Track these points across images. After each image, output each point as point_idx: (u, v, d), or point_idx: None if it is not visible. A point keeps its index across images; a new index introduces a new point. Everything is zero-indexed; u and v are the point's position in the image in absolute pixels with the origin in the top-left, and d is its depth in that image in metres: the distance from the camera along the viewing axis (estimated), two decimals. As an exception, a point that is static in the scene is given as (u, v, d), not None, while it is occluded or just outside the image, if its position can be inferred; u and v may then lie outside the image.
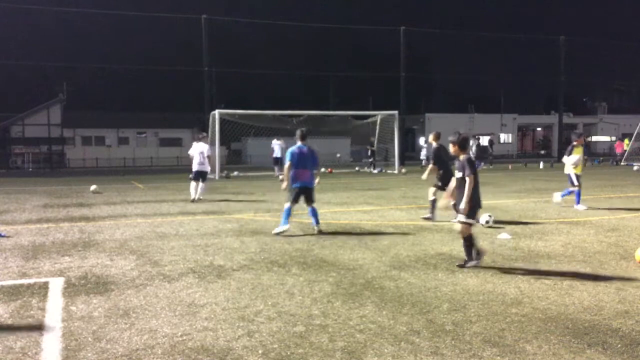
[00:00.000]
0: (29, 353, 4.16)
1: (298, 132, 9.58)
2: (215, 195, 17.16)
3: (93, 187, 18.56)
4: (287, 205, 9.44)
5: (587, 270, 6.63)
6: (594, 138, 65.55)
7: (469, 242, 6.73)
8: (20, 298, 5.63)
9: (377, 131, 32.11)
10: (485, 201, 14.40)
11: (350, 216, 11.70)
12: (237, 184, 22.15)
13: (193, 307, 5.24)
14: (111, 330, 4.62)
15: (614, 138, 61.50)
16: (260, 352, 4.12)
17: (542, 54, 69.71)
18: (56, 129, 52.61)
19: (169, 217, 11.91)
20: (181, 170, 37.52)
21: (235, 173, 23.30)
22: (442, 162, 10.62)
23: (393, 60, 43.07)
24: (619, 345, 4.19)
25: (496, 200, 14.35)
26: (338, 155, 28.68)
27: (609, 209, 12.44)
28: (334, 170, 29.64)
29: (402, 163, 31.99)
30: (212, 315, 4.99)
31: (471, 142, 30.07)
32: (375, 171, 29.52)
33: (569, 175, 12.44)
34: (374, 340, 4.33)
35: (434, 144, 10.94)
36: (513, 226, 10.00)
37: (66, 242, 8.86)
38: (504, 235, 8.88)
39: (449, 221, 9.53)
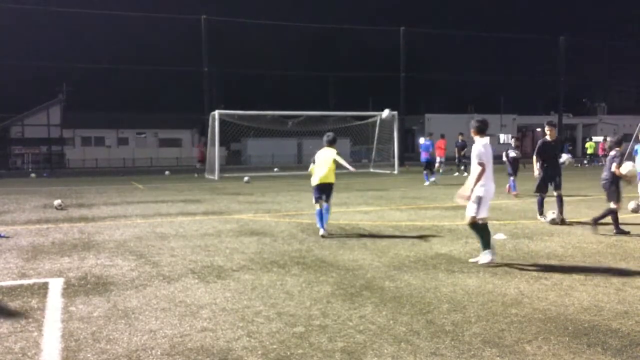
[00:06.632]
0: (29, 353, 4.16)
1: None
2: (215, 195, 17.16)
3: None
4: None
5: (587, 270, 6.63)
6: (594, 138, 65.65)
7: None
8: (19, 298, 5.63)
9: (376, 132, 32.09)
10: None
11: (350, 217, 11.70)
12: (236, 184, 22.14)
13: (193, 308, 5.24)
14: (111, 331, 4.62)
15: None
16: (260, 352, 4.12)
17: (542, 54, 69.61)
18: (56, 129, 52.58)
19: (169, 217, 11.91)
20: (181, 170, 37.52)
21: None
22: None
23: (393, 60, 43.09)
24: (618, 346, 4.20)
25: (496, 201, 14.34)
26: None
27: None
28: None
29: (401, 164, 32.00)
30: (212, 316, 4.99)
31: None
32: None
33: None
34: (374, 341, 4.33)
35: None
36: (513, 226, 10.00)
37: (66, 243, 8.86)
38: (499, 235, 8.87)
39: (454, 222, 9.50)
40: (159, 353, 4.14)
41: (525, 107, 69.92)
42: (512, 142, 17.30)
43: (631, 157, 12.77)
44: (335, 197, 16.14)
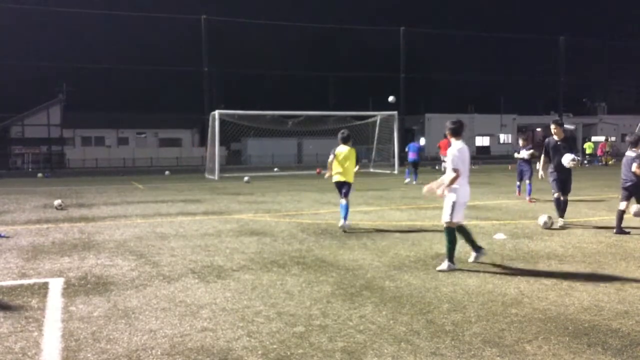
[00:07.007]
0: (29, 353, 4.16)
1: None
2: (215, 195, 17.16)
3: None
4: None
5: (587, 270, 6.63)
6: (594, 138, 65.78)
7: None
8: (20, 298, 5.62)
9: (376, 132, 32.08)
10: (485, 202, 14.37)
11: (350, 217, 11.67)
12: (236, 184, 22.15)
13: (193, 308, 5.24)
14: (111, 331, 4.62)
15: (613, 138, 61.51)
16: (260, 352, 4.12)
17: (542, 54, 69.75)
18: (56, 129, 52.60)
19: (169, 217, 11.91)
20: (181, 170, 37.53)
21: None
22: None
23: (393, 60, 43.08)
24: (618, 346, 4.19)
25: (496, 201, 14.34)
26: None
27: (608, 209, 12.42)
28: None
29: (401, 164, 31.98)
30: (212, 316, 4.99)
31: None
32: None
33: None
34: (374, 341, 4.33)
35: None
36: (513, 226, 10.00)
37: (66, 243, 8.86)
38: (499, 235, 8.87)
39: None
40: (159, 353, 4.14)
41: (525, 107, 70.05)
42: (520, 142, 15.16)
43: None
44: (335, 197, 16.15)
